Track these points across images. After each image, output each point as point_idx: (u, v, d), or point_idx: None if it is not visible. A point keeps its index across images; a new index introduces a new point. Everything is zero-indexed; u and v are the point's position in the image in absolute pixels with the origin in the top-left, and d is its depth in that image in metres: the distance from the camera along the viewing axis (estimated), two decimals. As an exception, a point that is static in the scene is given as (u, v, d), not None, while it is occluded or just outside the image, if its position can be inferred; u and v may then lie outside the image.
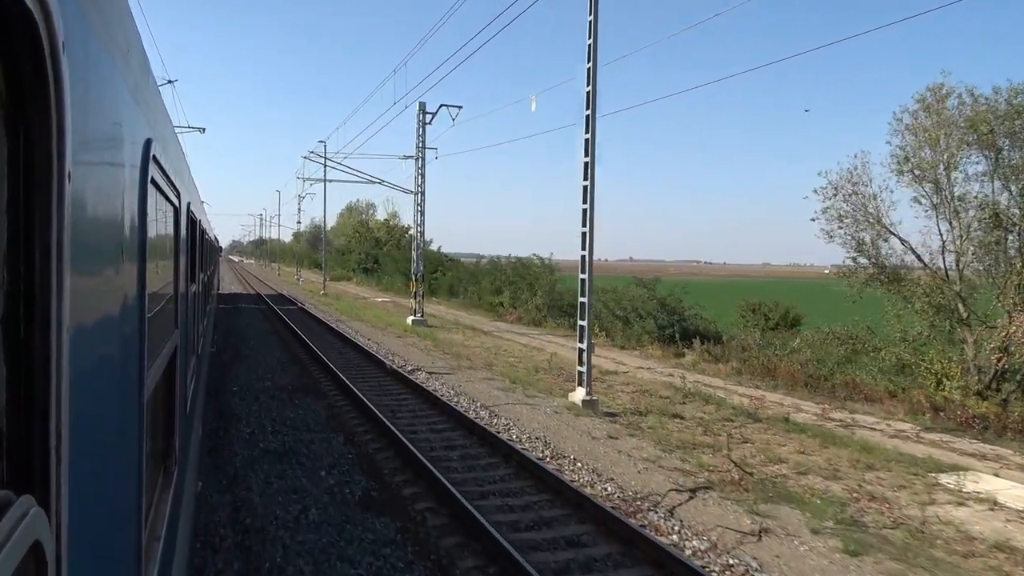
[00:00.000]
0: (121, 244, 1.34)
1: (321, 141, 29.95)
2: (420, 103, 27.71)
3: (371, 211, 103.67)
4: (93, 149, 1.07)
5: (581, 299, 13.08)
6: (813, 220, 18.67)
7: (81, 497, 0.97)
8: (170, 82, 16.89)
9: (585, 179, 12.90)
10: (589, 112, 12.77)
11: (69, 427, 0.87)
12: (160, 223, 2.16)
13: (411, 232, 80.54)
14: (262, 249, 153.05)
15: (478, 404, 12.46)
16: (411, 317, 27.40)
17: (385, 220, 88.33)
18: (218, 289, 26.13)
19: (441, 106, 27.74)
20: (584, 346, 12.82)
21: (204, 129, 19.95)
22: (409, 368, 15.99)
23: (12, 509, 0.69)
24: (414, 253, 27.89)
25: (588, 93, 12.80)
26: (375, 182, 28.27)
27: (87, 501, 1.03)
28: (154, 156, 1.78)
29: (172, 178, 2.39)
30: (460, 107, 27.78)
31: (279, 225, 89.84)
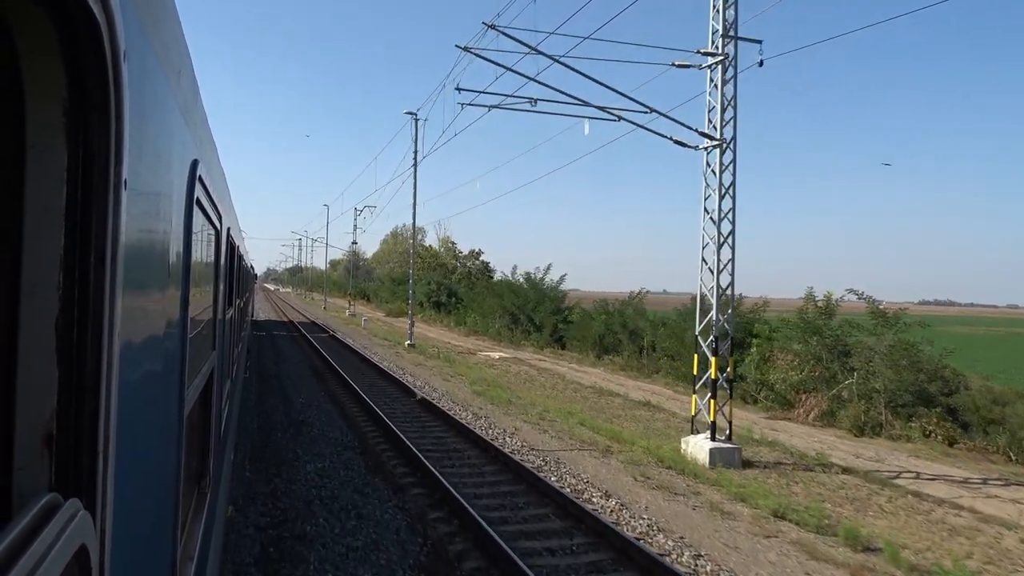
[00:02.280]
0: (167, 259, 1.33)
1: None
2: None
3: (420, 235, 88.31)
4: (145, 162, 1.06)
5: None
6: None
7: (123, 505, 0.93)
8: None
9: None
10: None
11: (116, 432, 0.85)
12: (202, 245, 2.12)
13: (481, 258, 63.21)
14: (298, 277, 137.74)
15: None
16: (706, 441, 10.94)
17: (452, 245, 72.33)
18: (252, 316, 21.85)
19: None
20: None
21: None
22: None
23: (61, 512, 0.67)
24: (716, 281, 11.47)
25: None
26: (638, 110, 11.92)
27: (128, 509, 0.99)
28: (200, 177, 1.76)
29: (216, 202, 2.37)
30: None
31: (327, 245, 74.36)
